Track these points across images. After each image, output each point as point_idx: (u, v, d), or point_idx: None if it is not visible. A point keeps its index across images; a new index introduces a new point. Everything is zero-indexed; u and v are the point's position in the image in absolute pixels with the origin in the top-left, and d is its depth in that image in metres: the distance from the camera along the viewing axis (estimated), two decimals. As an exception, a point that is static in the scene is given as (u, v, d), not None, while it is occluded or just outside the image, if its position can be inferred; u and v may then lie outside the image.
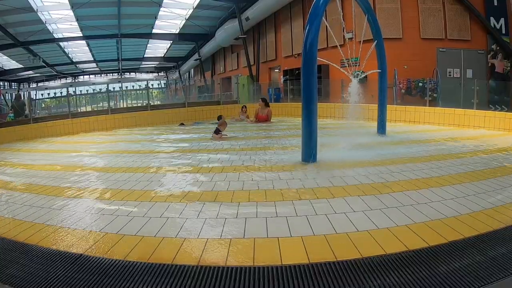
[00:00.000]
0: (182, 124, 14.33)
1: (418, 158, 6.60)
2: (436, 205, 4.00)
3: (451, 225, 3.45)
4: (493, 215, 3.73)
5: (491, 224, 3.47)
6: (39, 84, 54.79)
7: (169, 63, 53.10)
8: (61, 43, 34.54)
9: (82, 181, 5.72)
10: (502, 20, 16.35)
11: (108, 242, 3.28)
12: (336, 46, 9.59)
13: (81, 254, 3.04)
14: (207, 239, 3.28)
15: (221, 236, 3.33)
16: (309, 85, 6.26)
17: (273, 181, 5.10)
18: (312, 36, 6.33)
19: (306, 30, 6.40)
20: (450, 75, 16.35)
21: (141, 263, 2.86)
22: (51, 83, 56.15)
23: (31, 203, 4.61)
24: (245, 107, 15.60)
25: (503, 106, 13.39)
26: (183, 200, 4.38)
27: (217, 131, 9.83)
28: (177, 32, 33.76)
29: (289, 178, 5.27)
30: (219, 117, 14.12)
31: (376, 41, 9.13)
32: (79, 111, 17.50)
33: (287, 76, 21.79)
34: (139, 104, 20.90)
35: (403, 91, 14.85)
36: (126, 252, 3.07)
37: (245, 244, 3.16)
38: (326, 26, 9.26)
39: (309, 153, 6.25)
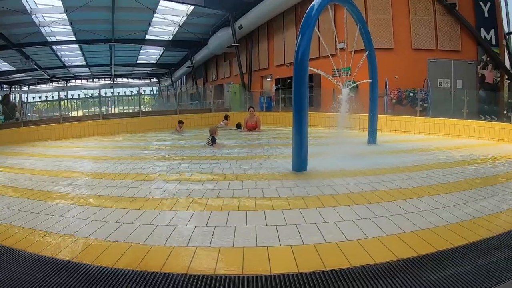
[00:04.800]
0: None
1: (408, 168, 6.66)
2: (425, 214, 4.04)
3: (440, 234, 3.48)
4: (482, 224, 3.77)
5: (480, 233, 3.51)
6: (31, 87, 54.60)
7: (161, 70, 53.16)
8: (53, 47, 34.44)
9: (71, 186, 5.68)
10: (492, 31, 16.62)
11: (97, 249, 3.26)
12: (328, 55, 9.68)
13: (69, 261, 3.01)
14: (196, 247, 3.26)
15: (210, 244, 3.32)
16: (300, 95, 6.29)
17: (263, 190, 5.10)
18: (304, 46, 6.38)
19: (298, 41, 6.44)
20: (440, 85, 16.55)
21: (129, 270, 2.84)
22: (43, 87, 55.85)
23: (19, 207, 4.57)
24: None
25: (493, 116, 13.54)
26: (173, 208, 4.36)
27: (214, 140, 9.68)
28: (170, 38, 33.87)
29: (279, 187, 5.28)
30: (238, 125, 14.36)
31: (367, 51, 9.20)
32: (70, 115, 17.44)
33: (279, 85, 21.90)
34: (131, 110, 20.88)
35: (394, 101, 14.95)
36: (114, 259, 3.04)
37: (234, 253, 3.15)
38: (318, 36, 9.30)
39: (300, 162, 6.29)
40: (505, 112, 12.89)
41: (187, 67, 40.98)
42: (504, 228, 3.68)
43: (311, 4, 6.91)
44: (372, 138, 9.77)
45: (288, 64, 21.92)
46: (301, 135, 6.29)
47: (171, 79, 52.55)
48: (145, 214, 4.17)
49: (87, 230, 3.70)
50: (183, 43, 34.80)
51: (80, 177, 6.37)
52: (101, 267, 2.91)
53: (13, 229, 3.82)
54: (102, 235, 3.57)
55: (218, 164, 7.21)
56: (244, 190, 5.13)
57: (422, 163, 7.20)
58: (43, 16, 25.75)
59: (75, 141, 12.41)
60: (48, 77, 50.77)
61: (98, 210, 4.38)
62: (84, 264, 2.96)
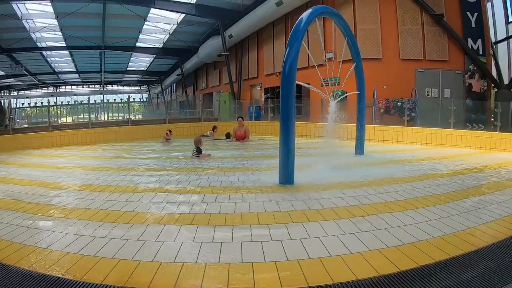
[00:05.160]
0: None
1: (394, 179, 6.75)
2: (409, 229, 4.09)
3: (422, 249, 3.54)
4: (464, 237, 3.84)
5: (462, 247, 3.57)
6: (20, 93, 54.32)
7: (151, 77, 53.17)
8: (44, 52, 34.35)
9: (60, 199, 5.65)
10: (479, 41, 16.91)
11: (86, 265, 3.27)
12: (318, 64, 9.80)
13: (59, 277, 3.03)
14: (183, 263, 3.29)
15: (196, 260, 3.34)
16: (287, 108, 6.35)
17: (250, 203, 5.12)
18: (291, 59, 6.43)
19: (286, 54, 6.50)
20: (428, 95, 16.77)
21: (118, 287, 2.87)
22: (32, 92, 55.64)
23: (8, 220, 4.53)
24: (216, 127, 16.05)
25: (480, 125, 13.75)
26: (160, 223, 4.36)
27: (199, 151, 9.63)
28: (160, 46, 33.95)
29: (266, 200, 5.30)
30: (227, 135, 14.36)
31: (355, 63, 9.31)
32: (60, 122, 17.37)
33: (268, 94, 21.98)
34: (120, 117, 20.86)
35: (382, 110, 15.11)
36: (103, 275, 3.07)
37: (220, 269, 3.17)
38: (307, 46, 9.39)
39: (286, 176, 6.33)
40: (492, 120, 13.10)
41: (177, 75, 41.08)
42: (486, 241, 3.76)
43: (300, 18, 7.00)
44: (359, 148, 9.88)
45: (277, 73, 22.00)
46: (288, 148, 6.33)
47: (161, 87, 52.55)
48: (133, 229, 4.17)
49: (76, 245, 3.70)
50: (174, 51, 34.91)
51: (69, 189, 6.34)
52: (90, 283, 2.93)
53: (2, 243, 3.81)
54: (91, 251, 3.57)
55: (206, 176, 7.20)
56: (230, 204, 5.14)
57: (408, 174, 7.29)
58: (33, 21, 25.79)
59: (64, 150, 12.33)
60: (37, 82, 50.59)
61: (86, 223, 4.37)
62: (74, 281, 2.98)
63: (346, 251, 3.51)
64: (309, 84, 8.63)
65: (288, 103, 6.38)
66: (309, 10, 7.28)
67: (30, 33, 27.32)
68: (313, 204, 5.11)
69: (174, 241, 3.81)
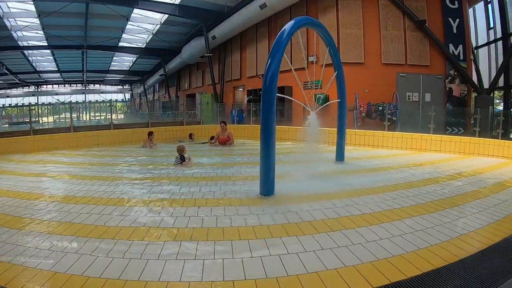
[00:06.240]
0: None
1: (372, 189, 6.89)
2: (384, 243, 4.23)
3: (395, 264, 3.68)
4: (437, 252, 4.00)
5: (434, 262, 3.72)
6: (0, 92, 53.55)
7: (134, 77, 52.88)
8: (25, 51, 33.99)
9: (44, 212, 5.54)
10: (460, 47, 17.26)
11: (75, 285, 3.30)
12: (301, 68, 9.95)
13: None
14: (168, 282, 3.36)
15: (180, 279, 3.41)
16: (267, 121, 6.38)
17: (231, 217, 5.17)
18: (273, 70, 6.48)
19: (268, 64, 6.54)
20: (409, 99, 17.03)
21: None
22: (13, 91, 54.88)
23: None
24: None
25: (460, 128, 14.05)
26: (144, 239, 4.37)
27: (183, 159, 9.68)
28: (143, 46, 33.83)
29: (247, 213, 5.36)
30: (191, 134, 14.46)
31: (336, 72, 9.44)
32: (41, 122, 17.07)
33: (251, 96, 22.07)
34: (102, 117, 20.65)
35: (363, 114, 15.32)
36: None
37: (204, 288, 3.27)
38: (291, 50, 9.52)
39: (267, 187, 6.38)
40: (472, 123, 13.39)
41: (160, 75, 40.96)
42: (457, 256, 3.89)
43: (282, 29, 7.07)
44: (340, 155, 10.04)
45: (260, 76, 22.09)
46: (268, 161, 6.37)
47: (144, 87, 52.30)
48: (118, 245, 4.18)
49: (64, 264, 3.69)
50: (157, 51, 34.87)
51: (53, 201, 6.18)
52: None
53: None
54: (79, 270, 3.58)
55: (188, 186, 7.15)
56: (212, 217, 5.17)
57: (387, 183, 7.46)
58: (15, 20, 25.50)
59: (46, 155, 12.08)
60: (18, 82, 49.85)
61: (72, 239, 4.35)
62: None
63: (323, 268, 3.62)
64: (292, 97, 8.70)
65: (268, 118, 6.39)
66: (292, 22, 7.35)
67: (12, 32, 27.02)
68: (292, 217, 5.19)
69: (158, 259, 3.84)
